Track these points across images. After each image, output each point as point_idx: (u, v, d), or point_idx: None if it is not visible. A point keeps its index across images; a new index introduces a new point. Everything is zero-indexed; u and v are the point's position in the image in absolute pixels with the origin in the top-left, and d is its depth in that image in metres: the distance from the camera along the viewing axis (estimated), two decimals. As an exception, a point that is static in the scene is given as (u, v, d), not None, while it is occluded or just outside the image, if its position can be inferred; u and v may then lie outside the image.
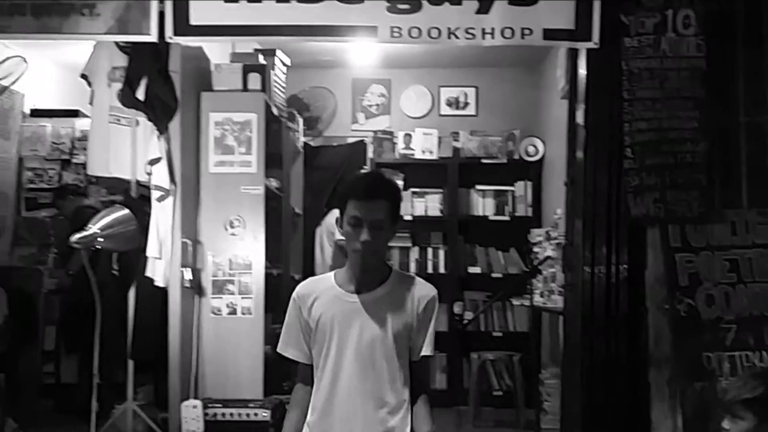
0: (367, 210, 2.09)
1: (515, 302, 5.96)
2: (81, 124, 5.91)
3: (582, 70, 3.66)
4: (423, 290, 2.22)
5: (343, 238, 2.21)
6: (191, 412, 3.73)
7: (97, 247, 3.70)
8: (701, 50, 3.51)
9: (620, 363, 3.51)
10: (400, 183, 6.32)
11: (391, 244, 6.38)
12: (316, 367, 2.19)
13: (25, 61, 4.52)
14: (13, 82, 4.53)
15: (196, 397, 3.94)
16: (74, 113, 6.01)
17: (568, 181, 3.84)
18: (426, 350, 2.21)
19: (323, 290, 2.21)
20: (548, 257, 4.79)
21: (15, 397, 4.43)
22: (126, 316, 4.11)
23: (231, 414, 3.78)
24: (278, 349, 2.28)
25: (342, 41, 3.76)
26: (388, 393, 2.16)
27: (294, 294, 2.25)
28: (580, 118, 3.67)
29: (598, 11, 3.46)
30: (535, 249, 5.35)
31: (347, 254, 2.21)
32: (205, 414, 3.75)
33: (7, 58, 4.49)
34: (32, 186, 6.02)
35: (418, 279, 2.25)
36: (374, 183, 2.20)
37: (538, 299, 5.00)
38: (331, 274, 2.26)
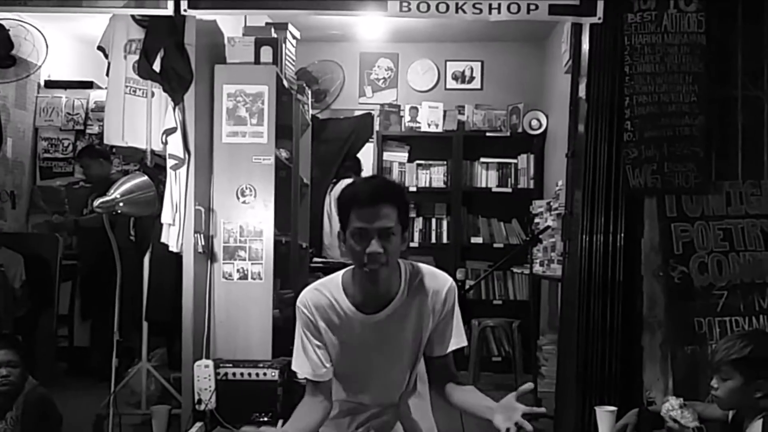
0: (372, 218, 1.86)
1: (516, 271, 6.08)
2: (95, 96, 6.04)
3: (585, 45, 3.72)
4: (437, 284, 2.05)
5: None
6: (203, 371, 3.80)
7: (118, 211, 3.80)
8: (701, 26, 3.56)
9: (615, 328, 3.57)
10: (404, 155, 6.43)
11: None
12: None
13: (43, 36, 4.57)
14: (44, 60, 4.57)
15: (207, 358, 4.02)
16: (88, 85, 6.13)
17: (569, 153, 3.93)
18: (454, 344, 2.08)
19: (333, 305, 2.02)
20: (548, 227, 4.87)
21: (31, 359, 4.55)
22: (141, 281, 4.26)
23: (241, 374, 3.85)
24: (294, 367, 2.08)
25: (352, 15, 3.83)
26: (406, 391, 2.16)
27: (301, 304, 2.04)
28: (582, 91, 3.74)
29: (602, -13, 3.51)
30: (537, 220, 5.43)
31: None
32: (217, 373, 3.81)
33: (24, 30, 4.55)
34: (47, 156, 6.19)
35: (430, 272, 2.06)
36: (378, 186, 1.95)
37: (537, 268, 5.07)
38: (338, 278, 2.04)
